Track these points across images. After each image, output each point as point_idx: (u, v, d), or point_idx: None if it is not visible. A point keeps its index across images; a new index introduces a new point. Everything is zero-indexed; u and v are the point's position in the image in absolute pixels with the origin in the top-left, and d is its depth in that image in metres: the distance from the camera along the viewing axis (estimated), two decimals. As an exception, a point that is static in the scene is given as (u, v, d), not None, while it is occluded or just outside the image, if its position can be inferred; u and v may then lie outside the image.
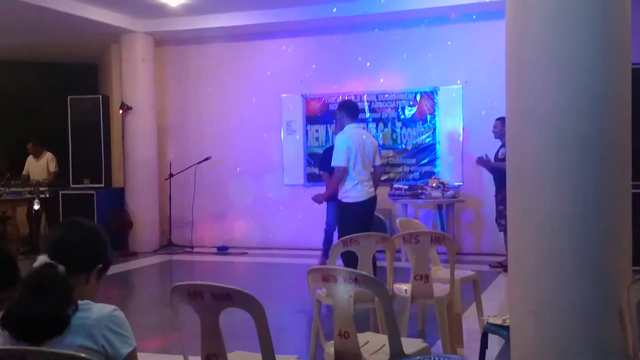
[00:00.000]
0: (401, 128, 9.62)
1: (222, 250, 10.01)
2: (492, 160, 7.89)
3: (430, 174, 9.39)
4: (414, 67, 9.49)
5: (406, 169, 9.61)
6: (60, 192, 9.88)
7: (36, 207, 9.49)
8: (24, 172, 10.47)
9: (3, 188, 9.75)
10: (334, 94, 9.91)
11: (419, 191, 8.86)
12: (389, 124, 9.66)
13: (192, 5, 9.17)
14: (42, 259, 1.96)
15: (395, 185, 9.06)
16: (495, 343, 4.10)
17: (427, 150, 9.51)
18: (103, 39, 10.42)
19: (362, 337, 3.30)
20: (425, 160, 9.52)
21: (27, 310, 1.86)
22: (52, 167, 10.39)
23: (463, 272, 5.13)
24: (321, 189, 8.49)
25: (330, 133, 9.85)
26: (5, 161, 11.75)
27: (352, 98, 9.67)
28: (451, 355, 4.30)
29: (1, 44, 10.60)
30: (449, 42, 9.27)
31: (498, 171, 7.42)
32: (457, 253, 7.78)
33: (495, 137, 7.87)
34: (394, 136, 9.65)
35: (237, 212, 10.40)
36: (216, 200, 10.46)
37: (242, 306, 2.56)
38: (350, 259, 4.70)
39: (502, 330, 3.40)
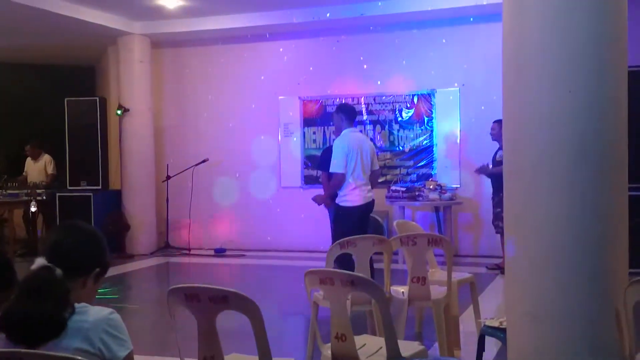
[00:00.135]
0: (399, 130, 9.63)
1: (219, 252, 10.00)
2: (490, 162, 7.90)
3: (428, 176, 9.40)
4: (412, 70, 9.50)
5: (403, 171, 9.62)
6: (57, 194, 9.87)
7: (33, 209, 9.47)
8: (22, 174, 10.46)
9: (0, 190, 9.73)
10: (331, 96, 9.91)
11: (417, 193, 8.86)
12: (387, 126, 9.66)
13: (190, 7, 9.18)
14: (40, 261, 1.96)
15: (393, 188, 9.06)
16: (492, 345, 4.11)
17: (425, 153, 9.52)
18: (100, 41, 10.41)
19: (359, 340, 3.30)
20: (423, 163, 9.53)
21: (24, 313, 1.86)
22: (50, 169, 10.37)
23: (460, 274, 5.13)
24: (319, 191, 8.51)
25: (328, 135, 9.86)
26: (3, 163, 11.74)
27: (350, 100, 9.70)
28: (448, 357, 4.31)
29: (-2, 46, 10.62)
30: (443, 40, 9.27)
31: (496, 175, 7.43)
32: (454, 255, 7.76)
33: (493, 140, 7.88)
34: (392, 138, 9.66)
35: (235, 214, 10.39)
36: (213, 202, 10.46)
37: (239, 308, 2.56)
38: (343, 263, 4.69)
39: (499, 332, 3.40)
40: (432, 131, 9.48)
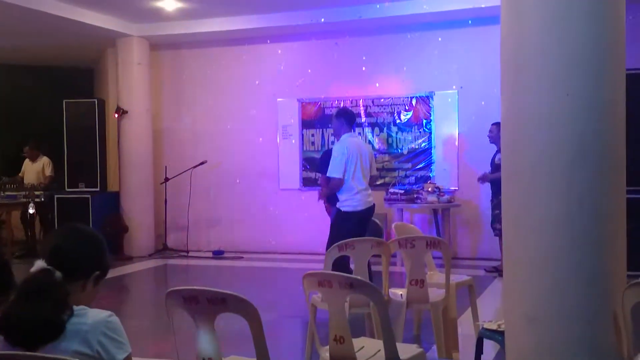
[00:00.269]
0: (397, 133, 9.64)
1: (218, 254, 10.00)
2: (489, 165, 7.91)
3: (426, 179, 9.40)
4: (410, 72, 9.51)
5: (402, 173, 9.62)
6: (56, 196, 9.87)
7: (31, 211, 9.46)
8: (19, 174, 10.45)
9: (-2, 192, 9.74)
10: (329, 98, 9.92)
11: (415, 196, 8.86)
12: (385, 129, 9.67)
13: (188, 9, 9.18)
14: (40, 264, 1.96)
15: (391, 190, 9.06)
16: (490, 348, 4.11)
17: (423, 155, 9.53)
18: (99, 42, 10.42)
19: (357, 342, 3.30)
20: (421, 165, 9.53)
21: (23, 315, 1.86)
22: (48, 171, 10.36)
23: (458, 276, 5.13)
24: (316, 193, 8.52)
25: (326, 138, 9.86)
26: (1, 164, 11.72)
27: (348, 103, 9.72)
28: (446, 360, 4.31)
29: (-3, 48, 10.61)
30: (441, 42, 9.28)
31: (496, 179, 7.44)
32: (452, 258, 7.78)
33: (491, 142, 7.88)
34: (390, 141, 9.67)
35: (233, 216, 10.39)
36: (212, 204, 10.46)
37: (237, 311, 2.56)
38: (340, 267, 4.69)
39: (497, 335, 3.41)
40: (430, 134, 9.48)
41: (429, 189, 8.83)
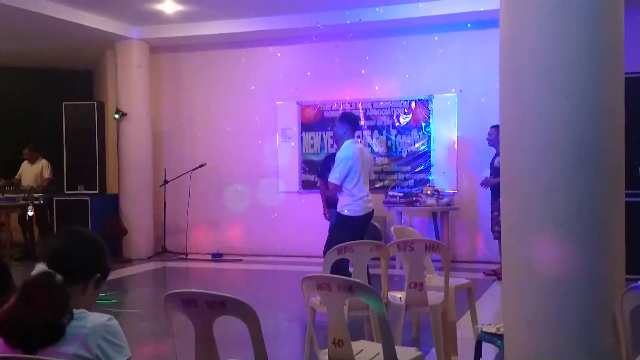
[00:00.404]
0: (396, 136, 9.64)
1: (217, 257, 9.99)
2: (488, 169, 7.91)
3: (425, 182, 9.41)
4: (409, 75, 9.51)
5: (401, 176, 9.62)
6: (55, 198, 9.86)
7: (30, 213, 9.46)
8: (16, 176, 10.44)
9: (-3, 194, 9.73)
10: (329, 101, 9.93)
11: (414, 199, 8.87)
12: (384, 132, 9.67)
13: (188, 12, 9.19)
14: (40, 267, 1.96)
15: (390, 193, 9.07)
16: (489, 351, 4.10)
17: (422, 158, 9.53)
18: (98, 45, 10.42)
19: (356, 345, 3.30)
20: (420, 168, 9.54)
21: (23, 318, 1.85)
22: (47, 174, 10.36)
23: (457, 280, 5.13)
24: (316, 196, 8.54)
25: (325, 140, 9.87)
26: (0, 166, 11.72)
27: (347, 106, 9.74)
28: (445, 363, 4.30)
29: (-4, 50, 10.62)
30: (441, 46, 9.30)
31: (496, 182, 7.45)
32: (451, 261, 7.77)
33: (490, 145, 7.88)
34: (389, 144, 9.67)
35: (232, 218, 10.39)
36: (211, 207, 10.45)
37: (236, 314, 2.55)
38: (339, 270, 4.69)
39: (496, 338, 3.40)
40: (429, 137, 9.49)
41: (428, 192, 8.84)
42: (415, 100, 9.53)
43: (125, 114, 10.12)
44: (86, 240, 2.13)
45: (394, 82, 9.60)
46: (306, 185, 10.02)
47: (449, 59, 9.29)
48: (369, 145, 9.51)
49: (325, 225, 7.79)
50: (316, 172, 9.28)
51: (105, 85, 11.00)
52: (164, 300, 2.66)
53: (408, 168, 9.60)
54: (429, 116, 9.48)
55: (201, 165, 10.05)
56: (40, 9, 8.43)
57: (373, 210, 6.15)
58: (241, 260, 9.82)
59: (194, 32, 9.89)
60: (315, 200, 8.67)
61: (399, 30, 9.43)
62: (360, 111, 9.72)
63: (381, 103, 9.69)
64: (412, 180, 9.55)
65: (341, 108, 9.82)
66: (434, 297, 4.41)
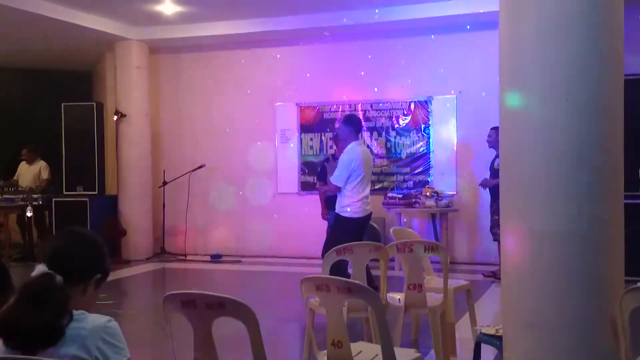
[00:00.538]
0: (395, 137, 9.64)
1: (216, 258, 9.98)
2: (488, 170, 7.91)
3: (424, 183, 9.41)
4: (409, 77, 9.51)
5: (400, 177, 9.62)
6: (54, 199, 9.85)
7: (29, 214, 9.45)
8: (14, 177, 10.44)
9: (-5, 195, 9.73)
10: (328, 102, 9.93)
11: (413, 200, 8.86)
12: (383, 133, 9.67)
13: (187, 13, 9.18)
14: (40, 268, 1.95)
15: (389, 194, 9.06)
16: (488, 353, 4.10)
17: (421, 160, 9.53)
18: (98, 46, 10.42)
19: (355, 347, 3.29)
20: (419, 170, 9.54)
21: (22, 319, 1.85)
22: (45, 174, 10.35)
23: (456, 281, 5.14)
24: (315, 197, 8.53)
25: (325, 142, 9.87)
26: (-2, 167, 11.73)
27: (347, 107, 9.74)
28: (444, 364, 4.30)
29: (-4, 51, 10.61)
30: (440, 48, 9.31)
31: (496, 184, 7.44)
32: (450, 262, 7.78)
33: (490, 147, 7.88)
34: (388, 145, 9.67)
35: (231, 220, 10.38)
36: (210, 208, 10.45)
37: (235, 315, 2.55)
38: (338, 271, 4.70)
39: (495, 340, 3.40)
40: (428, 138, 9.49)
41: (427, 194, 8.84)
42: (414, 101, 9.53)
43: (125, 115, 10.11)
44: (86, 241, 2.13)
45: (394, 84, 9.60)
46: (305, 187, 10.02)
47: (449, 61, 9.29)
48: (368, 146, 9.51)
49: (324, 227, 7.80)
50: (315, 173, 9.28)
51: (105, 86, 11.00)
52: (162, 301, 2.66)
53: (407, 169, 9.60)
54: (428, 118, 9.48)
55: (200, 167, 10.05)
56: (40, 10, 8.43)
57: (372, 212, 6.20)
58: (240, 261, 9.82)
59: (194, 33, 9.89)
60: (314, 201, 8.66)
61: (398, 32, 9.43)
62: (360, 112, 9.71)
63: (380, 104, 9.69)
64: (412, 182, 9.55)
65: (340, 109, 9.83)
66: (433, 299, 4.41)
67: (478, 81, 8.95)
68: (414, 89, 9.51)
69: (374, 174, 8.07)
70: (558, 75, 2.97)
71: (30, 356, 1.83)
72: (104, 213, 9.99)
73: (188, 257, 10.04)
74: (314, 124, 10.03)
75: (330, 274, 4.13)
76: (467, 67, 9.17)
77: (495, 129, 7.40)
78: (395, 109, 9.63)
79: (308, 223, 9.39)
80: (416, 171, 9.55)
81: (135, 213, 10.14)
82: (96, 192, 9.99)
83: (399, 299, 4.42)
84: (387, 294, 4.54)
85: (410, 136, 9.58)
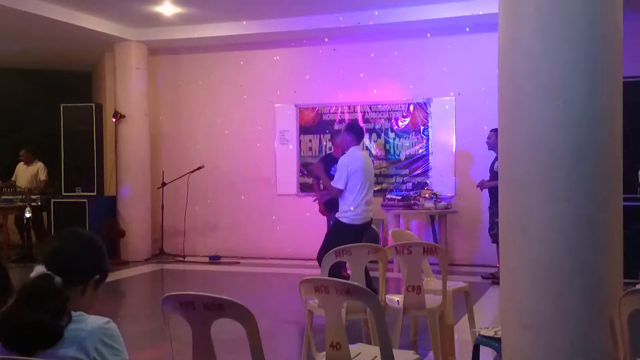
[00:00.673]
0: (394, 139, 9.64)
1: (214, 259, 9.98)
2: (488, 172, 7.90)
3: (423, 185, 9.41)
4: (408, 78, 9.52)
5: (399, 179, 9.63)
6: (52, 200, 9.85)
7: (28, 215, 9.45)
8: (12, 178, 10.44)
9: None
10: (327, 104, 9.93)
11: (412, 202, 8.86)
12: (382, 135, 9.68)
13: (187, 14, 9.19)
14: (39, 269, 1.95)
15: (388, 196, 9.06)
16: (487, 355, 4.10)
17: (420, 161, 9.53)
18: (97, 47, 10.42)
19: (354, 349, 3.29)
20: (418, 171, 9.54)
21: (21, 321, 1.85)
22: (43, 176, 10.34)
23: (455, 283, 5.13)
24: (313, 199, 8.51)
25: (324, 143, 9.87)
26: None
27: (346, 109, 9.75)
28: (443, 366, 4.30)
29: (-5, 51, 10.61)
30: (438, 47, 9.31)
31: (495, 186, 7.44)
32: (449, 264, 7.78)
33: (489, 149, 7.87)
34: (387, 147, 9.67)
35: (230, 221, 10.38)
36: (209, 209, 10.44)
37: (233, 316, 2.55)
38: (332, 273, 4.70)
39: (494, 342, 3.40)
40: (427, 140, 9.49)
41: (426, 195, 8.84)
42: (413, 103, 9.54)
43: (124, 116, 10.11)
44: (85, 242, 2.12)
45: (393, 86, 9.60)
46: (304, 188, 10.02)
47: (448, 63, 9.30)
48: (367, 148, 9.52)
49: (323, 228, 7.79)
50: (312, 174, 9.27)
51: (104, 87, 11.00)
52: (161, 302, 2.66)
53: (406, 171, 9.61)
54: (427, 119, 9.49)
55: (199, 168, 10.04)
56: (40, 10, 8.43)
57: (372, 219, 6.25)
58: (239, 262, 9.82)
59: (193, 34, 9.89)
60: (313, 203, 8.66)
61: (397, 34, 9.44)
62: (359, 114, 9.73)
63: (379, 106, 9.69)
64: (410, 184, 9.56)
65: (339, 111, 9.83)
66: (432, 301, 4.41)
67: (477, 83, 8.96)
68: (413, 90, 9.51)
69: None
70: (556, 78, 2.98)
71: (29, 357, 1.83)
72: (102, 214, 9.99)
73: (187, 259, 10.04)
74: (313, 125, 10.04)
75: (328, 276, 4.13)
76: (466, 69, 9.18)
77: (495, 130, 7.40)
78: (394, 111, 9.64)
79: (307, 224, 9.39)
80: (415, 173, 9.56)
81: (134, 214, 10.14)
82: (95, 193, 9.99)
83: (398, 300, 4.42)
84: (386, 296, 4.54)
85: (409, 138, 9.59)
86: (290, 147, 10.15)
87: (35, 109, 11.64)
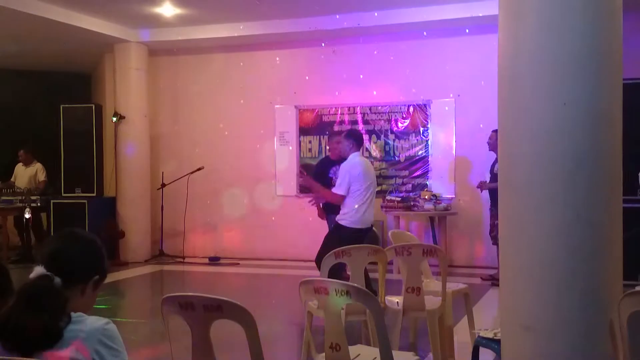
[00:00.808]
0: (394, 140, 9.65)
1: (214, 260, 9.98)
2: (488, 174, 7.90)
3: (423, 186, 9.41)
4: (407, 80, 9.52)
5: (399, 181, 9.63)
6: (52, 200, 9.84)
7: (27, 215, 9.44)
8: (11, 179, 10.44)
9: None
10: (327, 105, 9.93)
11: (412, 203, 8.87)
12: (382, 136, 9.68)
13: (187, 15, 9.19)
14: (39, 270, 1.95)
15: (388, 197, 9.06)
16: (486, 356, 4.10)
17: (420, 163, 9.53)
18: (97, 48, 10.42)
19: (353, 350, 3.29)
20: (418, 173, 9.54)
21: (21, 321, 1.85)
22: (42, 177, 10.34)
23: (455, 285, 5.13)
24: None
25: (323, 145, 9.87)
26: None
27: (346, 110, 9.76)
28: (442, 368, 4.30)
29: (-5, 52, 10.61)
30: (437, 49, 9.32)
31: (496, 188, 7.43)
32: (449, 266, 7.78)
33: (490, 150, 7.85)
34: (387, 148, 9.68)
35: (230, 222, 10.38)
36: (208, 211, 10.44)
37: (233, 317, 2.55)
38: (332, 274, 4.70)
39: (494, 343, 3.40)
40: (427, 141, 9.50)
41: (426, 197, 8.84)
42: (413, 105, 9.54)
43: (123, 117, 10.12)
44: (84, 242, 2.13)
45: (392, 87, 9.61)
46: (304, 190, 10.00)
47: (447, 64, 9.30)
48: (366, 149, 9.52)
49: (323, 229, 7.78)
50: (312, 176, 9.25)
51: (104, 88, 11.00)
52: (161, 303, 2.66)
53: (406, 173, 9.61)
54: (427, 121, 9.49)
55: (199, 169, 10.04)
56: (40, 11, 8.43)
57: (372, 225, 6.29)
58: (238, 264, 9.81)
59: (193, 35, 9.89)
60: (311, 205, 8.64)
61: (397, 35, 9.45)
62: (359, 115, 9.73)
63: (379, 108, 9.70)
64: (410, 185, 9.56)
65: (339, 112, 9.84)
66: (432, 302, 4.41)
67: (477, 85, 8.96)
68: (412, 92, 9.52)
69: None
70: (556, 80, 2.98)
71: (28, 358, 1.83)
72: (102, 215, 9.99)
73: (186, 260, 10.03)
74: (312, 126, 10.04)
75: (328, 277, 4.13)
76: (466, 70, 9.18)
77: (496, 131, 7.38)
78: (394, 112, 9.64)
79: (307, 226, 9.39)
80: (415, 174, 9.56)
81: (133, 215, 10.14)
82: (95, 194, 9.99)
83: (398, 302, 4.42)
84: (386, 297, 4.54)
85: (408, 139, 9.59)
86: (290, 148, 10.15)
87: (35, 110, 11.64)
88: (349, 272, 4.59)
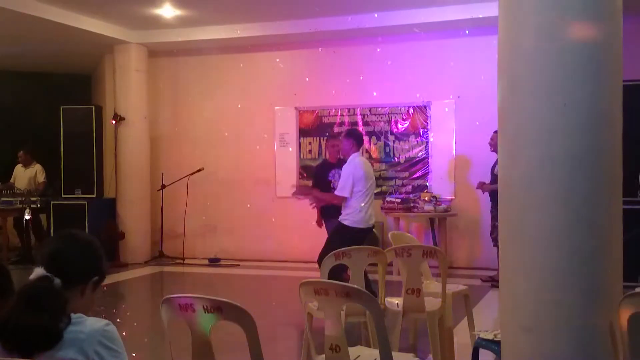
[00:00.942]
0: (394, 141, 9.65)
1: (214, 262, 9.97)
2: (489, 175, 7.89)
3: (423, 188, 9.41)
4: (407, 81, 9.52)
5: (399, 182, 9.63)
6: (52, 202, 9.84)
7: (27, 216, 9.44)
8: (10, 180, 10.44)
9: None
10: (327, 106, 9.93)
11: (412, 205, 8.87)
12: (382, 138, 9.68)
13: (187, 17, 9.19)
14: (39, 271, 1.95)
15: (388, 199, 9.06)
16: (486, 358, 4.10)
17: (420, 164, 9.54)
18: (97, 49, 10.42)
19: (353, 351, 3.29)
20: (418, 174, 9.54)
21: (21, 323, 1.85)
22: (41, 178, 10.34)
23: (455, 286, 5.13)
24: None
25: (323, 146, 9.86)
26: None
27: (345, 111, 9.75)
28: (442, 369, 4.29)
29: (-5, 54, 10.61)
30: (437, 50, 9.32)
31: (496, 190, 7.42)
32: (448, 267, 7.78)
33: (491, 150, 7.80)
34: (387, 149, 9.68)
35: (229, 223, 10.37)
36: (208, 212, 10.44)
37: (233, 319, 2.55)
38: (332, 275, 4.70)
39: (494, 345, 3.40)
40: (427, 143, 9.50)
41: (426, 198, 8.84)
42: (413, 106, 9.54)
43: (123, 118, 10.11)
44: (83, 243, 2.13)
45: (392, 88, 9.60)
46: (304, 191, 10.00)
47: (447, 66, 9.30)
48: (366, 150, 9.52)
49: (323, 231, 7.77)
50: (312, 178, 9.25)
51: (104, 89, 11.00)
52: (160, 304, 2.66)
53: (406, 174, 9.61)
54: (427, 122, 9.49)
55: (199, 170, 10.04)
56: (39, 13, 8.43)
57: (374, 225, 6.33)
58: (238, 265, 9.81)
59: (193, 36, 9.90)
60: (312, 209, 8.64)
61: (397, 36, 9.45)
62: (358, 117, 9.74)
63: (379, 109, 9.70)
64: (410, 186, 9.56)
65: (339, 114, 9.84)
66: (432, 303, 4.41)
67: (477, 86, 8.96)
68: (412, 93, 9.52)
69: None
70: (557, 81, 2.98)
71: (27, 359, 1.83)
72: (102, 216, 9.98)
73: (186, 261, 10.03)
74: (312, 128, 10.04)
75: (329, 278, 4.13)
76: (466, 71, 9.18)
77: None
78: (393, 114, 9.65)
79: (306, 227, 9.37)
80: (415, 176, 9.56)
81: (133, 216, 10.13)
82: (94, 195, 9.99)
83: (397, 303, 4.42)
84: (386, 299, 4.53)
85: (408, 141, 9.59)
86: (290, 149, 10.15)
87: (35, 111, 11.64)
88: (349, 273, 4.60)
